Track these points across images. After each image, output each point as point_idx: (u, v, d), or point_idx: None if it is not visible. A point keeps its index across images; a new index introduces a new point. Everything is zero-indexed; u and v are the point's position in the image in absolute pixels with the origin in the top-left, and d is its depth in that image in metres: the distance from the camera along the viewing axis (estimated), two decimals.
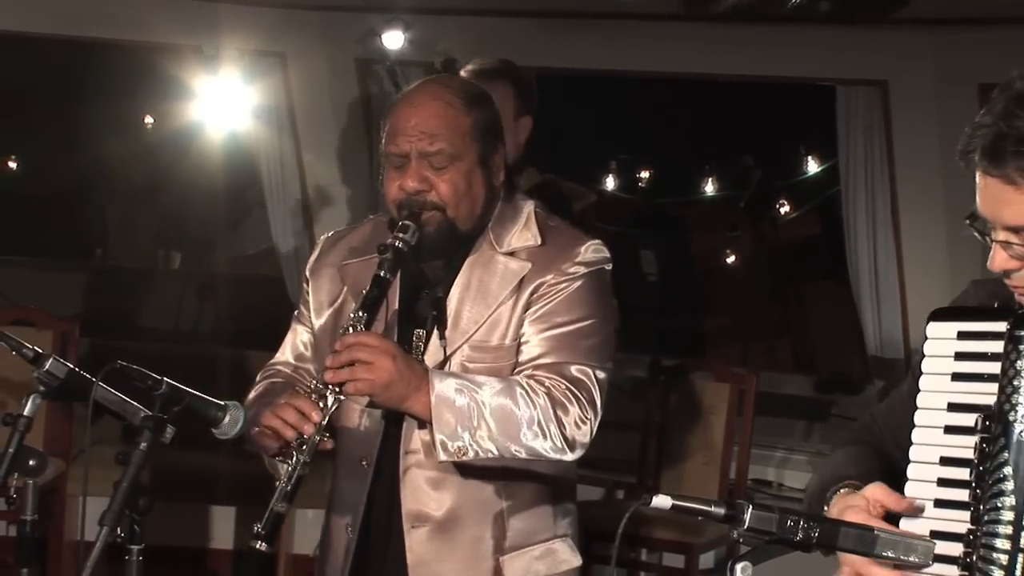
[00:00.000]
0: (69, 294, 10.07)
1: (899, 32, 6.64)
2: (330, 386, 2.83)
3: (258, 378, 3.28)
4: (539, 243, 3.09)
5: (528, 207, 3.18)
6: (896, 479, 2.41)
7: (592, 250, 3.10)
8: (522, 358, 3.02)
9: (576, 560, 3.19)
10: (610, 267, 3.15)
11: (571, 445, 2.95)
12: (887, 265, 7.10)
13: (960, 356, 2.30)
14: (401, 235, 2.93)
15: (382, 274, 2.90)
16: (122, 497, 2.54)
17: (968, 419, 2.26)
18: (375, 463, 3.06)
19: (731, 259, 12.93)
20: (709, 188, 12.13)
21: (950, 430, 2.28)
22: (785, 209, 11.98)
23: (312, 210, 7.63)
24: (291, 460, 2.81)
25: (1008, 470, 2.18)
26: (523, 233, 3.11)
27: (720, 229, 12.76)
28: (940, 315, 2.36)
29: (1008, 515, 2.17)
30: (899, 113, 6.83)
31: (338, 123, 7.58)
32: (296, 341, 3.30)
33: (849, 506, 2.29)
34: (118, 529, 2.56)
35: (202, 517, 6.96)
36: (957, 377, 2.30)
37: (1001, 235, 2.16)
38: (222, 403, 2.78)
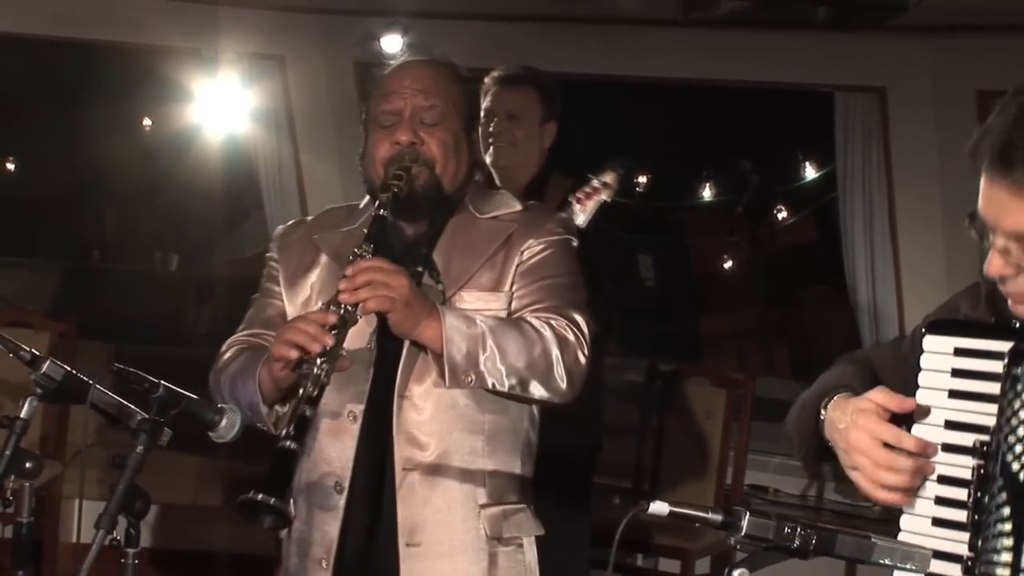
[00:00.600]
0: (66, 296, 10.08)
1: (897, 38, 6.64)
2: (345, 307, 2.83)
3: (223, 349, 3.24)
4: (520, 208, 3.21)
5: (502, 191, 3.40)
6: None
7: (567, 220, 3.30)
8: (515, 307, 3.09)
9: (540, 529, 3.22)
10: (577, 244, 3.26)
11: (571, 378, 3.00)
12: (884, 271, 7.10)
13: (957, 373, 2.29)
14: (395, 182, 2.99)
15: (381, 212, 2.96)
16: (118, 500, 2.54)
17: (966, 438, 2.26)
18: (365, 407, 3.06)
19: (728, 264, 12.94)
20: (707, 193, 12.12)
21: (948, 448, 2.28)
22: (783, 215, 11.99)
23: (310, 213, 7.61)
24: (316, 366, 2.79)
25: (1007, 511, 2.18)
26: (502, 200, 3.25)
27: (718, 234, 12.76)
28: (937, 328, 2.35)
29: (1006, 556, 2.17)
30: (897, 119, 6.83)
31: (336, 126, 7.58)
32: (264, 312, 3.27)
33: (859, 409, 2.30)
34: (114, 532, 2.56)
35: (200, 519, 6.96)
36: (954, 395, 2.29)
37: (1000, 241, 2.16)
38: (219, 406, 2.78)
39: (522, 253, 3.11)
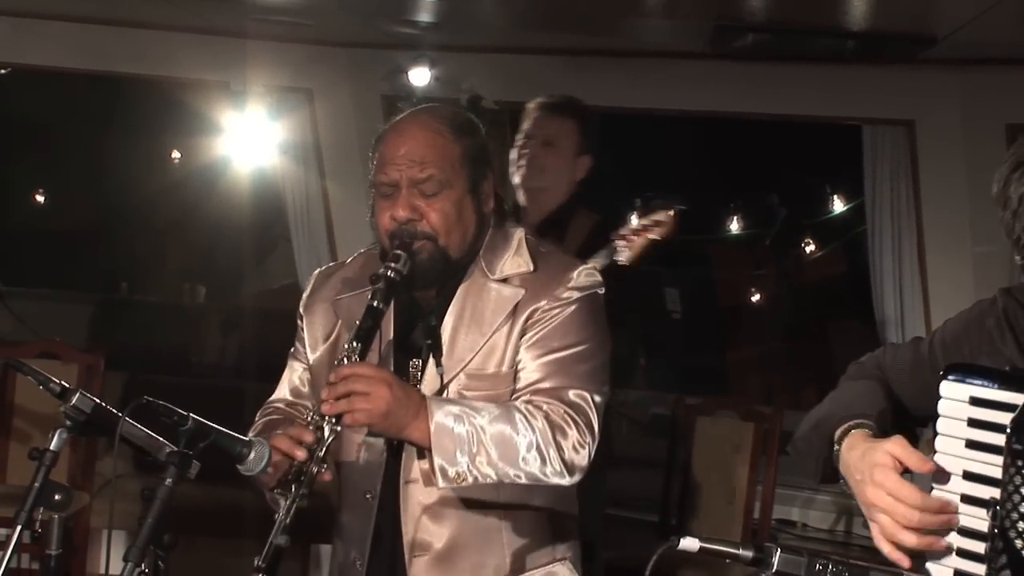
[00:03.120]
0: (95, 327, 10.12)
1: (926, 72, 6.64)
2: (327, 417, 2.79)
3: (257, 417, 3.26)
4: (531, 269, 3.08)
5: (518, 234, 3.17)
6: (905, 421, 2.42)
7: (585, 275, 3.10)
8: (519, 384, 3.01)
9: None
10: (603, 291, 3.14)
11: (570, 469, 2.93)
12: (913, 305, 7.07)
13: (973, 423, 2.26)
14: (393, 264, 2.92)
15: (375, 304, 2.89)
16: (147, 533, 2.53)
17: (984, 491, 2.23)
18: (379, 495, 3.05)
19: (756, 297, 12.91)
20: (734, 226, 12.10)
21: (967, 500, 2.25)
22: (810, 248, 11.96)
23: (337, 245, 7.65)
24: (289, 493, 2.76)
25: None
26: (515, 259, 3.10)
27: (745, 267, 12.73)
28: (954, 371, 2.32)
29: None
30: (926, 153, 6.82)
31: (364, 159, 7.54)
32: (293, 378, 3.29)
33: (876, 464, 2.26)
34: (143, 565, 2.55)
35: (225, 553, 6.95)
36: (971, 445, 2.26)
37: None
38: (247, 439, 2.77)
39: (526, 322, 3.02)
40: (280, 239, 10.10)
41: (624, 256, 4.35)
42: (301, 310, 3.29)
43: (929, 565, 2.29)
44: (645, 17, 6.44)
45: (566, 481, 2.95)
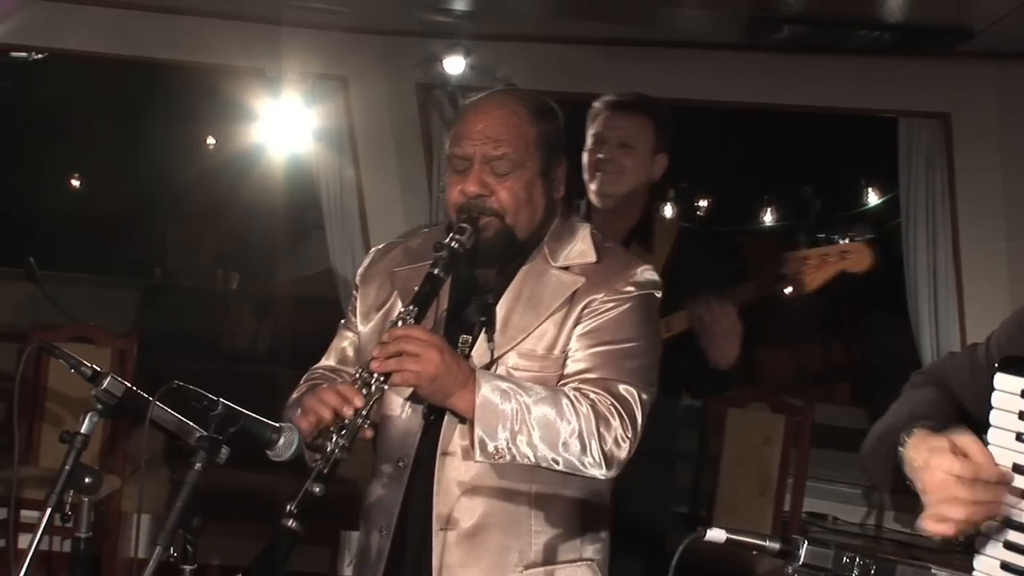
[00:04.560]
0: (128, 312, 10.15)
1: (963, 64, 6.60)
2: (375, 375, 2.80)
3: (302, 380, 3.27)
4: (594, 260, 3.09)
5: (585, 229, 3.18)
6: (968, 426, 2.37)
7: (646, 273, 3.10)
8: (568, 371, 3.01)
9: None
10: (660, 294, 3.14)
11: (609, 462, 2.92)
12: (947, 299, 7.03)
13: None
14: (458, 236, 2.94)
15: (436, 272, 2.91)
16: (176, 517, 2.55)
17: None
18: (411, 464, 3.05)
19: (788, 289, 12.85)
20: (768, 218, 12.08)
21: (1017, 492, 2.23)
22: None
23: (370, 232, 7.65)
24: (331, 441, 2.76)
25: None
26: (578, 248, 3.12)
27: (778, 259, 12.68)
28: (1008, 365, 2.29)
29: None
30: (962, 146, 6.78)
31: (398, 147, 7.61)
32: (341, 345, 3.31)
33: (933, 448, 2.23)
34: (172, 549, 2.56)
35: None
36: (1022, 438, 2.24)
37: None
38: (277, 425, 2.78)
39: (582, 312, 3.02)
40: (313, 226, 10.11)
41: (797, 289, 4.30)
42: (358, 280, 3.32)
43: (977, 557, 2.28)
44: (681, 7, 6.42)
45: (602, 473, 2.94)
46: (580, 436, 2.88)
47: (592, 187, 4.40)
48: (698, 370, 4.24)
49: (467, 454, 2.94)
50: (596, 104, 4.48)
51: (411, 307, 2.88)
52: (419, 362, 2.78)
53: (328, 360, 3.31)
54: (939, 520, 2.20)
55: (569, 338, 3.01)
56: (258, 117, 8.09)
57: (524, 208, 3.04)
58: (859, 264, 4.29)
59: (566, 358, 3.02)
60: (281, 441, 2.74)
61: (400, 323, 2.85)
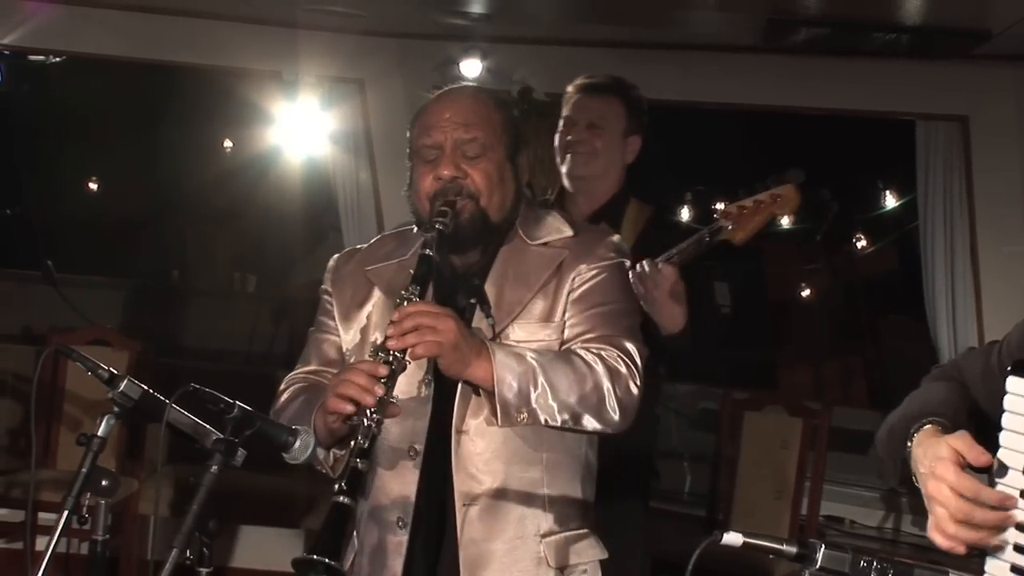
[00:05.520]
0: (145, 315, 10.17)
1: (980, 67, 6.59)
2: (393, 353, 2.81)
3: (281, 388, 3.25)
4: (571, 234, 3.16)
5: (552, 211, 3.28)
6: (982, 422, 2.38)
7: (618, 243, 3.23)
8: (568, 336, 3.06)
9: (604, 553, 3.21)
10: (628, 263, 3.26)
11: (624, 410, 2.98)
12: (965, 301, 7.02)
13: None
14: (440, 219, 2.98)
15: (427, 252, 2.94)
16: (193, 519, 2.55)
17: None
18: (423, 449, 3.05)
19: (806, 292, 12.84)
20: (785, 220, 12.04)
21: None
22: (862, 244, 11.89)
23: None
24: (367, 417, 2.76)
25: None
26: (553, 224, 3.19)
27: (795, 262, 12.67)
28: (1021, 368, 2.26)
29: None
30: (979, 148, 6.77)
31: None
32: (321, 348, 3.28)
33: (938, 457, 2.24)
34: (188, 551, 2.56)
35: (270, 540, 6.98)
36: None
37: None
38: (293, 428, 2.78)
39: (573, 280, 3.08)
40: (330, 229, 10.12)
41: (737, 236, 4.13)
42: (327, 286, 3.32)
43: (988, 560, 2.27)
44: (698, 10, 6.42)
45: (617, 422, 2.99)
46: (597, 387, 2.94)
47: (563, 169, 4.43)
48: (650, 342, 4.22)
49: (481, 431, 2.99)
50: (569, 88, 4.50)
51: (413, 286, 2.89)
52: (437, 333, 2.80)
53: (307, 365, 3.29)
54: (945, 537, 2.21)
55: (565, 307, 3.07)
56: (275, 120, 8.11)
57: (497, 190, 3.09)
58: (788, 206, 4.22)
59: (564, 325, 3.07)
60: (297, 444, 2.74)
61: (405, 303, 2.86)
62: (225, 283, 12.41)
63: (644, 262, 4.04)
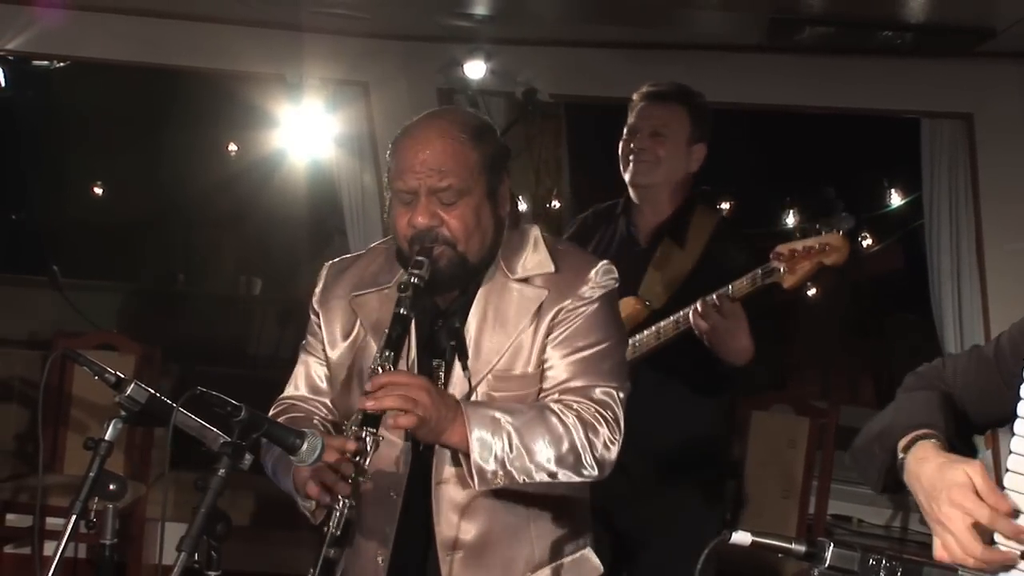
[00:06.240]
0: (151, 319, 10.18)
1: (985, 65, 6.58)
2: (367, 430, 2.80)
3: (272, 412, 3.23)
4: (553, 269, 3.10)
5: (534, 232, 3.19)
6: (965, 431, 2.39)
7: (603, 271, 3.12)
8: (547, 384, 3.04)
9: (600, 567, 3.23)
10: (618, 285, 3.18)
11: (601, 466, 2.98)
12: (971, 300, 7.01)
13: None
14: (416, 272, 2.93)
15: (402, 311, 2.90)
16: (200, 523, 2.54)
17: None
18: (403, 495, 3.06)
19: (812, 291, 12.82)
20: (790, 220, 12.03)
21: None
22: (867, 242, 11.87)
23: None
24: (337, 506, 2.78)
25: None
26: (534, 257, 3.12)
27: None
28: None
29: None
30: (984, 146, 6.75)
31: None
32: (310, 374, 3.29)
33: (955, 484, 2.19)
34: (196, 555, 2.56)
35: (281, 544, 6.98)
36: None
37: None
38: (300, 431, 2.78)
39: (552, 321, 3.04)
40: (335, 232, 10.13)
41: (787, 281, 4.16)
42: (316, 305, 3.30)
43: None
44: (701, 9, 6.41)
45: (595, 476, 3.00)
46: (573, 448, 2.93)
47: (626, 177, 4.39)
48: (712, 371, 4.22)
49: (461, 480, 2.97)
50: (634, 96, 4.46)
51: (387, 352, 2.87)
52: (414, 405, 2.78)
53: (297, 390, 3.30)
54: (959, 561, 2.20)
55: (543, 349, 3.04)
56: (279, 123, 8.11)
57: (474, 234, 3.01)
58: (837, 256, 4.24)
59: (542, 371, 3.05)
60: (304, 446, 2.74)
61: (379, 370, 2.85)
62: (231, 286, 12.42)
63: (713, 297, 4.08)
